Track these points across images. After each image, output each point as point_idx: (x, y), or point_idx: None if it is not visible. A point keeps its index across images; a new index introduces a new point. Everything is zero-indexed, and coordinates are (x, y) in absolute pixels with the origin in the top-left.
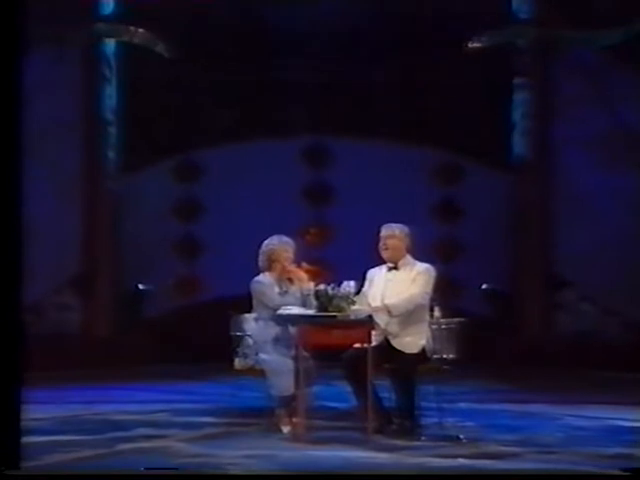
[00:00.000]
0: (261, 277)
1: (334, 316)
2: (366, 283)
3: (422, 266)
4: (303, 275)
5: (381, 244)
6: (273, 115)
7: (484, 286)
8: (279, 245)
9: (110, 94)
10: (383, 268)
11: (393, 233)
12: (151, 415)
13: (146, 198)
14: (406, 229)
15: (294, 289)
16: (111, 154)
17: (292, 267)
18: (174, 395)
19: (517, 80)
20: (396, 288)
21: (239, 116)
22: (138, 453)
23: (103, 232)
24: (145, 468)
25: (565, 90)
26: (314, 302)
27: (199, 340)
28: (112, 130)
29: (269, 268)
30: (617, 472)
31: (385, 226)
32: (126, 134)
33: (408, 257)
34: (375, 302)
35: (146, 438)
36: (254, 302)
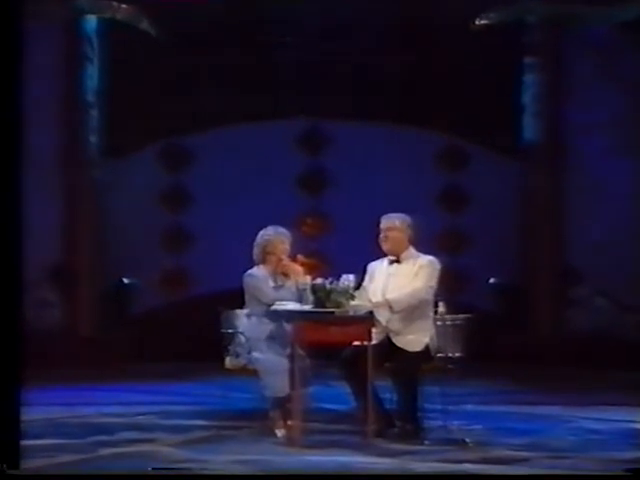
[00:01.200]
0: (255, 270)
1: (332, 312)
2: (366, 277)
3: (425, 258)
4: (299, 269)
5: (381, 236)
6: (266, 97)
7: (492, 280)
8: (275, 236)
9: (91, 74)
10: (384, 261)
11: (393, 224)
12: (135, 418)
13: (131, 186)
14: (408, 219)
15: (290, 283)
16: (93, 139)
17: (287, 260)
18: (160, 396)
19: (527, 59)
20: (398, 282)
21: (229, 99)
22: (121, 458)
23: (85, 222)
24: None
25: (578, 70)
26: (311, 297)
27: (187, 338)
28: (94, 113)
29: (264, 261)
30: (619, 472)
31: (385, 217)
32: (109, 117)
33: (411, 249)
34: (376, 297)
35: (130, 442)
36: (247, 297)
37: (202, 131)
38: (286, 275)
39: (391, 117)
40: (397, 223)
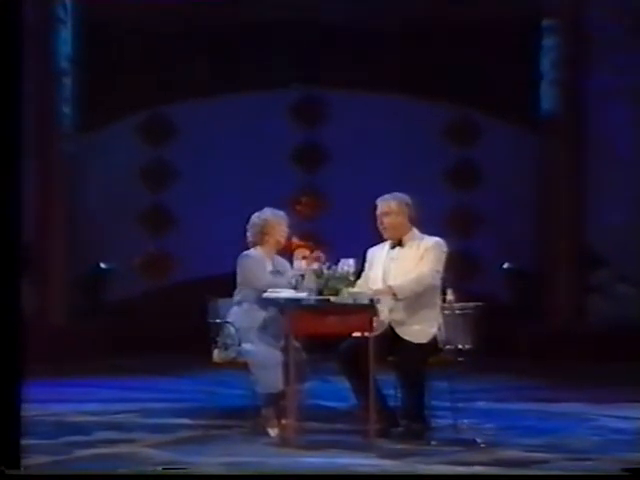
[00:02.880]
0: (252, 251)
1: (330, 300)
2: (366, 265)
3: (431, 240)
4: (283, 267)
5: (378, 222)
6: (257, 63)
7: (505, 265)
8: (273, 217)
9: (65, 39)
10: (385, 246)
11: (389, 208)
12: (114, 416)
13: (108, 161)
14: (406, 199)
15: (288, 269)
16: (66, 109)
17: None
18: (141, 393)
19: (545, 22)
20: (401, 268)
21: (216, 65)
22: (99, 460)
23: (57, 201)
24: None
25: (600, 34)
26: (307, 284)
27: (171, 328)
28: (67, 81)
29: (261, 242)
30: (617, 472)
31: (380, 200)
32: (84, 86)
33: (414, 231)
34: (377, 285)
35: (108, 443)
36: (239, 281)
37: (186, 101)
38: (276, 267)
39: (395, 86)
40: (393, 205)
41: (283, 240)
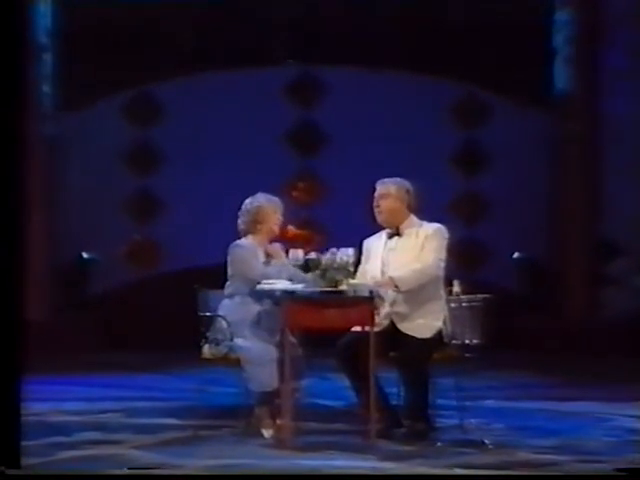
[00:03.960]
0: (244, 241)
1: (328, 292)
2: (362, 257)
3: (430, 227)
4: (280, 252)
5: (374, 205)
6: (249, 39)
7: (516, 254)
8: (267, 204)
9: (44, 12)
10: (382, 235)
11: (387, 191)
12: (98, 416)
13: (91, 144)
14: (406, 185)
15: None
16: (46, 88)
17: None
18: (126, 391)
19: None
20: (401, 258)
21: (207, 42)
22: (82, 462)
23: (36, 186)
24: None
25: (618, 8)
26: (304, 275)
27: (158, 322)
28: (47, 58)
29: (253, 231)
30: (614, 472)
31: (379, 182)
32: (65, 63)
33: (412, 218)
34: (377, 277)
35: (92, 444)
36: (230, 272)
37: (175, 80)
38: (269, 255)
39: (399, 62)
40: (391, 189)
41: (277, 229)
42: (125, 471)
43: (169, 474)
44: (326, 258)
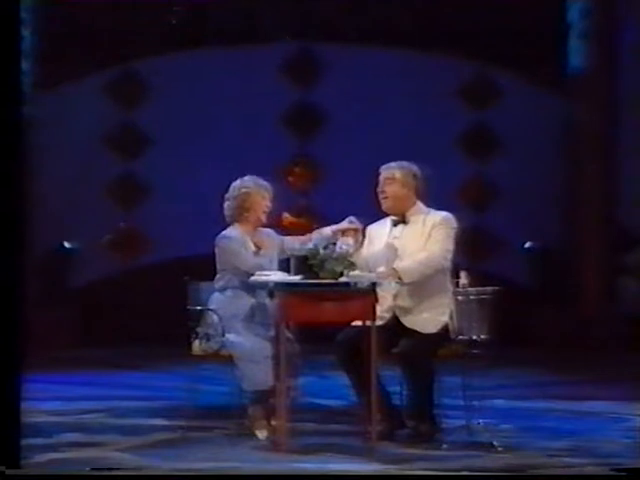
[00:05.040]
0: (230, 231)
1: (327, 284)
2: (365, 243)
3: (438, 216)
4: (266, 242)
5: (379, 191)
6: (243, 13)
7: (527, 244)
8: (255, 189)
9: None
10: (387, 222)
11: (392, 176)
12: (79, 416)
13: (72, 125)
14: (413, 168)
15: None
16: (24, 65)
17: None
18: (111, 389)
19: None
20: (406, 248)
21: (196, 16)
22: (62, 465)
23: (12, 171)
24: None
25: None
26: (301, 266)
27: (145, 316)
28: (25, 33)
29: (240, 219)
30: (612, 472)
31: (384, 167)
32: (43, 38)
33: (419, 205)
34: (379, 268)
35: (72, 446)
36: (220, 264)
37: (162, 56)
38: (259, 246)
39: (403, 38)
40: (397, 174)
41: (264, 217)
42: (126, 471)
43: (169, 474)
44: (324, 248)
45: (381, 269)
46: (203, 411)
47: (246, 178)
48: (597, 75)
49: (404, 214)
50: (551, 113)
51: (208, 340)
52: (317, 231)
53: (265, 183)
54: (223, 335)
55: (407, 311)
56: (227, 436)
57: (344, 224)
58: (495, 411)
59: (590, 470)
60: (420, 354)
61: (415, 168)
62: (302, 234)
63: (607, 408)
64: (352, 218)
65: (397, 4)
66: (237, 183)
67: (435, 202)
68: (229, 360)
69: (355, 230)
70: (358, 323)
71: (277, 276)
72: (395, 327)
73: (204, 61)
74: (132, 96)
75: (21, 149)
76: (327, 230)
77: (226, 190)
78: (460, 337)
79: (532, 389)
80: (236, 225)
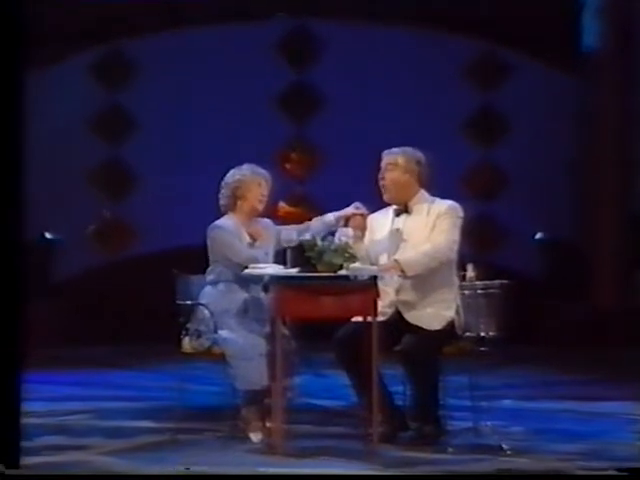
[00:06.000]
0: (223, 221)
1: (325, 277)
2: (367, 233)
3: (443, 204)
4: (262, 232)
5: (379, 178)
6: None
7: (538, 234)
8: (251, 177)
9: None
10: (389, 212)
11: (395, 163)
12: (62, 418)
13: (54, 108)
14: (418, 155)
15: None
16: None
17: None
18: (95, 389)
19: None
20: (409, 239)
21: None
22: (44, 469)
23: None
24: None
25: None
26: (297, 258)
27: (131, 312)
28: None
29: (233, 208)
30: (614, 472)
31: (386, 152)
32: (22, 14)
33: (423, 194)
34: (381, 260)
35: (55, 449)
36: (212, 257)
37: (150, 35)
38: (254, 237)
39: (406, 15)
40: (400, 160)
41: (260, 207)
42: (126, 471)
43: (169, 474)
44: (323, 239)
45: (383, 261)
46: (193, 412)
47: (244, 166)
48: (612, 53)
49: (407, 203)
50: (563, 94)
51: (199, 337)
52: (318, 217)
53: (263, 171)
54: (215, 331)
55: (410, 306)
56: (219, 439)
57: (349, 210)
58: (504, 412)
59: (591, 470)
60: (424, 352)
61: (419, 154)
62: (299, 222)
63: (623, 409)
64: (358, 204)
65: None
66: (233, 171)
67: (440, 190)
68: (221, 358)
69: (362, 216)
70: (358, 319)
71: (272, 269)
72: (398, 323)
73: (194, 40)
74: (118, 77)
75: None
76: (330, 216)
77: (220, 178)
78: (467, 334)
79: (543, 389)
80: (230, 215)
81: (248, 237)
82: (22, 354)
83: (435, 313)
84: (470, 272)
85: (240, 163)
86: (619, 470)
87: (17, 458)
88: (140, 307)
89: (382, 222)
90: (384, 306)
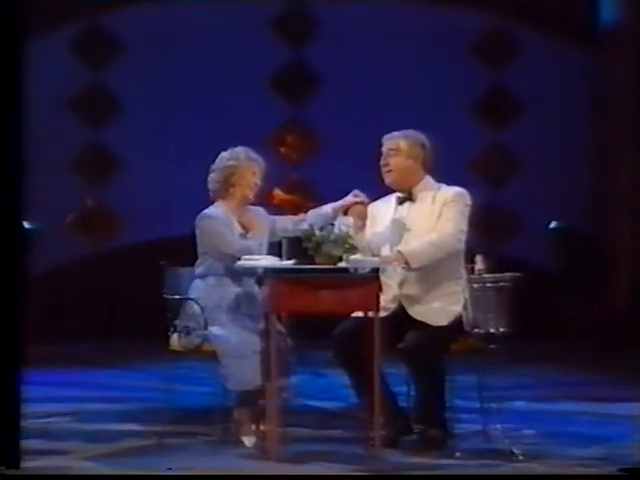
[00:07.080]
0: (213, 210)
1: (324, 270)
2: (368, 223)
3: (450, 191)
4: (255, 223)
5: (381, 164)
6: None
7: (552, 224)
8: (245, 162)
9: None
10: (391, 199)
11: (397, 147)
12: (41, 420)
13: (32, 87)
14: (421, 138)
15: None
16: None
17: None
18: (77, 390)
19: None
20: (414, 229)
21: None
22: (23, 473)
23: None
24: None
25: None
26: (294, 249)
27: (116, 307)
28: None
29: (224, 194)
30: (615, 472)
31: (387, 136)
32: None
33: (428, 180)
34: (383, 251)
35: (34, 454)
36: (202, 248)
37: (136, 10)
38: (246, 227)
39: None
40: (402, 144)
41: (252, 194)
42: (126, 470)
43: (169, 474)
44: (321, 229)
45: (385, 253)
46: (182, 414)
47: (238, 149)
48: (631, 29)
49: (411, 190)
50: (579, 74)
51: (188, 334)
52: (314, 210)
53: (257, 157)
54: (205, 328)
55: (415, 300)
56: (209, 443)
57: (348, 199)
58: (515, 414)
59: (592, 470)
60: (429, 349)
61: (423, 137)
62: (295, 213)
63: None
64: (357, 192)
65: None
66: (226, 154)
67: (446, 176)
68: (212, 356)
69: (362, 204)
70: (359, 314)
71: (267, 261)
72: (401, 319)
73: (184, 16)
74: (102, 54)
75: None
76: (327, 208)
77: (210, 162)
78: (475, 330)
79: (557, 389)
80: (220, 202)
81: (240, 227)
82: (21, 354)
83: (441, 308)
84: (479, 264)
85: (232, 147)
86: (621, 470)
87: (17, 459)
88: (125, 302)
89: (384, 211)
90: (386, 300)
